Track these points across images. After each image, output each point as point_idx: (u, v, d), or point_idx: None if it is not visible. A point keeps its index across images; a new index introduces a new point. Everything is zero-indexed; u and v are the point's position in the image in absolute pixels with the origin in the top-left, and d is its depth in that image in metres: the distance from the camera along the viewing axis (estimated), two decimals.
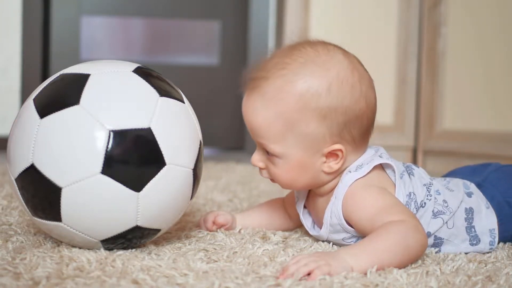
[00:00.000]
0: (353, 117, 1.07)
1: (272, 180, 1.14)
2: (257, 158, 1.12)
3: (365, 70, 1.10)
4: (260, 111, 1.07)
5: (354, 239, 1.11)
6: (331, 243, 1.15)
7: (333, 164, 1.09)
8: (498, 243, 1.19)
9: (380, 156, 1.11)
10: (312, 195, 1.17)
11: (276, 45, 3.07)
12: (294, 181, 1.11)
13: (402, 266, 0.99)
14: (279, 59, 1.07)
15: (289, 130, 1.06)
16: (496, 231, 1.16)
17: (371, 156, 1.11)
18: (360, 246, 0.99)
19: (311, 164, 1.08)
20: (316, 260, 0.93)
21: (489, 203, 1.18)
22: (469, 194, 1.17)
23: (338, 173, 1.11)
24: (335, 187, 1.11)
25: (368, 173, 1.09)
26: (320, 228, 1.15)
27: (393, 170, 1.11)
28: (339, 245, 1.14)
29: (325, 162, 1.09)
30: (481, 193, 1.19)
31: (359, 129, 1.08)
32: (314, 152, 1.07)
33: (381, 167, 1.12)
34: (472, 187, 1.20)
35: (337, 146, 1.07)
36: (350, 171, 1.09)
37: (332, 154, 1.08)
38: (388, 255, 0.97)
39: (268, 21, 3.15)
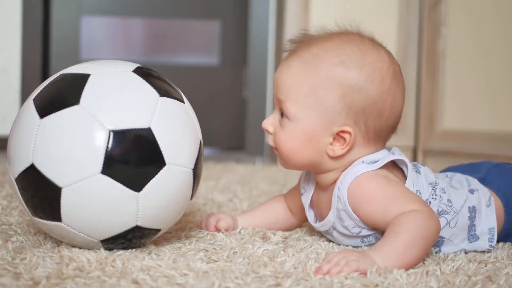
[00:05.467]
0: (373, 108, 1.08)
1: (275, 150, 1.14)
2: (269, 121, 1.13)
3: (403, 80, 1.12)
4: (293, 68, 1.10)
5: (357, 229, 1.11)
6: (331, 243, 1.15)
7: (338, 149, 1.09)
8: (499, 240, 1.19)
9: (393, 153, 1.12)
10: (317, 190, 1.18)
11: (276, 45, 3.07)
12: (296, 153, 1.10)
13: (423, 256, 1.03)
14: (325, 35, 1.12)
15: (311, 94, 1.08)
16: (495, 230, 1.16)
17: (385, 154, 1.12)
18: (384, 247, 1.00)
19: (317, 138, 1.09)
20: (345, 257, 0.95)
21: (495, 195, 1.19)
22: (472, 191, 1.17)
23: (341, 164, 1.11)
24: (337, 179, 1.12)
25: (380, 168, 1.09)
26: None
27: (406, 165, 1.12)
28: (342, 234, 1.14)
29: (331, 143, 1.09)
30: (484, 188, 1.19)
31: (375, 125, 1.09)
32: (324, 126, 1.08)
33: (394, 164, 1.13)
34: (475, 182, 1.20)
35: (348, 128, 1.08)
36: (363, 162, 1.10)
37: (340, 138, 1.09)
38: (411, 250, 1.00)
39: (268, 21, 3.15)
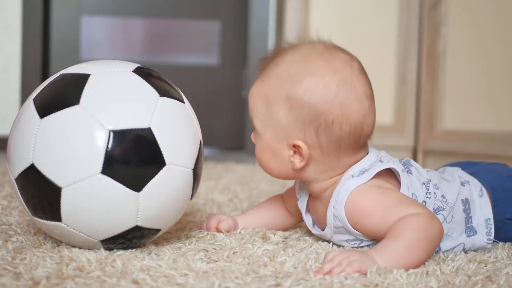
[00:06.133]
0: (320, 119, 1.06)
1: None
2: (253, 134, 1.16)
3: (360, 85, 1.08)
4: (255, 86, 1.13)
5: (358, 242, 1.11)
6: (331, 243, 1.15)
7: (297, 162, 1.09)
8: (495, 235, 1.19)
9: (381, 161, 1.11)
10: (312, 198, 1.18)
11: (276, 45, 3.06)
12: (267, 164, 1.13)
13: (426, 259, 1.02)
14: (283, 49, 1.13)
15: (267, 109, 1.10)
16: (492, 221, 1.16)
17: (373, 162, 1.11)
18: (386, 248, 0.99)
19: (278, 151, 1.10)
20: (348, 257, 0.95)
21: (483, 188, 1.19)
22: (463, 183, 1.18)
23: (311, 176, 1.11)
24: (326, 190, 1.12)
25: (371, 179, 1.08)
26: (322, 229, 1.15)
27: (396, 173, 1.11)
28: (342, 246, 1.14)
29: (292, 156, 1.09)
30: (474, 179, 1.19)
31: (327, 136, 1.07)
32: (281, 140, 1.09)
33: (386, 169, 1.11)
34: (466, 175, 1.20)
35: (298, 142, 1.07)
36: (352, 176, 1.09)
37: (298, 151, 1.09)
38: (413, 252, 1.00)
39: (268, 21, 3.15)
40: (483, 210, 1.17)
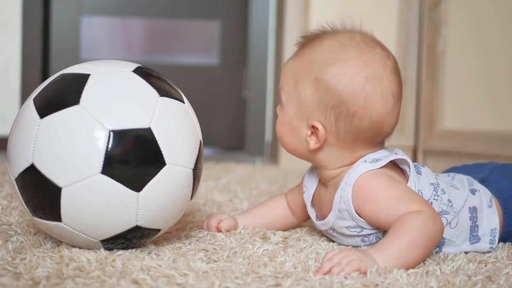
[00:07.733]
0: (342, 107, 1.08)
1: None
2: (278, 107, 1.18)
3: (393, 82, 1.09)
4: (290, 61, 1.15)
5: (358, 229, 1.11)
6: (331, 243, 1.15)
7: (312, 142, 1.11)
8: (499, 242, 1.19)
9: (396, 153, 1.12)
10: (319, 187, 1.18)
11: (276, 45, 3.07)
12: (284, 138, 1.15)
13: (425, 257, 1.03)
14: (323, 33, 1.14)
15: (294, 85, 1.12)
16: (497, 231, 1.16)
17: (387, 154, 1.12)
18: (386, 246, 1.00)
19: (297, 128, 1.12)
20: (347, 256, 0.95)
21: (495, 197, 1.19)
22: (473, 192, 1.17)
23: (319, 160, 1.13)
24: (334, 177, 1.13)
25: (382, 167, 1.10)
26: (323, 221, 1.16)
27: (408, 166, 1.12)
28: (342, 234, 1.14)
29: (309, 136, 1.11)
30: (485, 189, 1.19)
31: (347, 126, 1.08)
32: (301, 118, 1.11)
33: (395, 165, 1.13)
34: (476, 183, 1.20)
35: (317, 123, 1.09)
36: (365, 161, 1.10)
37: (315, 133, 1.10)
38: (413, 250, 1.00)
39: (268, 21, 3.15)
40: (490, 220, 1.17)
